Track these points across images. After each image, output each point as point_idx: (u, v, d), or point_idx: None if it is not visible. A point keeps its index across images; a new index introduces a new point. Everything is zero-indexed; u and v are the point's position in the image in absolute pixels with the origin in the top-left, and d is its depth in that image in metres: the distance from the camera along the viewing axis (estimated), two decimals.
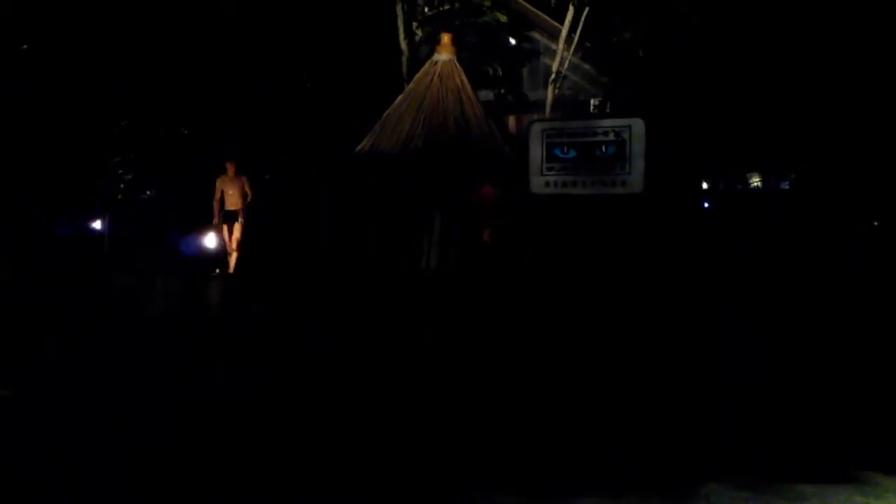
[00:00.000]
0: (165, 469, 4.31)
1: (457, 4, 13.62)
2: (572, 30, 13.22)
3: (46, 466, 4.29)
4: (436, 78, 11.90)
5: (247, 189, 11.18)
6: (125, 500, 3.92)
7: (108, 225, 15.23)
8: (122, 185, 16.77)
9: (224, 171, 11.25)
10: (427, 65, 12.25)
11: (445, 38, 12.20)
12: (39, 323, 8.55)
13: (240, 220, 11.13)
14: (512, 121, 16.30)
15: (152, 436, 4.91)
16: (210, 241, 11.47)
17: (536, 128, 7.86)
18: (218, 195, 11.18)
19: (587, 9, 12.74)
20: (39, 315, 8.81)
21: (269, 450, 4.65)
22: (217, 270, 11.11)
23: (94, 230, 15.86)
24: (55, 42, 13.90)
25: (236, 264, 11.15)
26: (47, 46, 13.87)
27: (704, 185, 18.58)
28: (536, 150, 7.92)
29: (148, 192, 17.21)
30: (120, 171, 16.48)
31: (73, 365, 6.83)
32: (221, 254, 11.28)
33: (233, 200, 11.15)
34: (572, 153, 7.72)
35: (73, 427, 5.00)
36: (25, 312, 8.94)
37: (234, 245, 11.16)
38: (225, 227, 11.23)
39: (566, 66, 13.75)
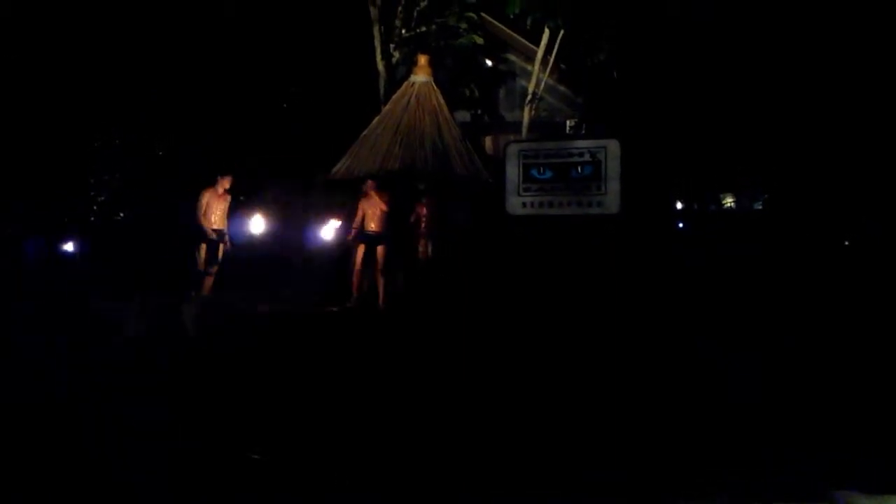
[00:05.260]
0: None
1: (433, 27, 13.75)
2: (548, 52, 13.40)
3: None
4: (413, 99, 12.00)
5: (226, 211, 10.64)
6: None
7: (80, 247, 15.00)
8: (95, 207, 16.57)
9: (212, 185, 10.57)
10: (404, 86, 12.35)
11: (422, 59, 12.31)
12: None
13: (226, 241, 10.65)
14: (489, 142, 16.41)
15: None
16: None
17: (513, 148, 7.87)
18: (202, 210, 10.42)
19: (562, 31, 12.93)
20: None
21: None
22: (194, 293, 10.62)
23: (66, 252, 15.61)
24: (28, 61, 13.77)
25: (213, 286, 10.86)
26: (20, 64, 13.72)
27: (679, 206, 18.80)
28: (513, 171, 7.91)
29: (121, 214, 17.00)
30: (93, 193, 16.29)
31: None
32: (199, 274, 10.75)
33: (220, 219, 10.59)
34: (549, 174, 7.74)
35: None
36: None
37: (213, 267, 10.62)
38: (204, 247, 10.60)
39: (542, 87, 13.92)
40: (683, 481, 4.39)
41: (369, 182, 10.57)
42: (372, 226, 10.38)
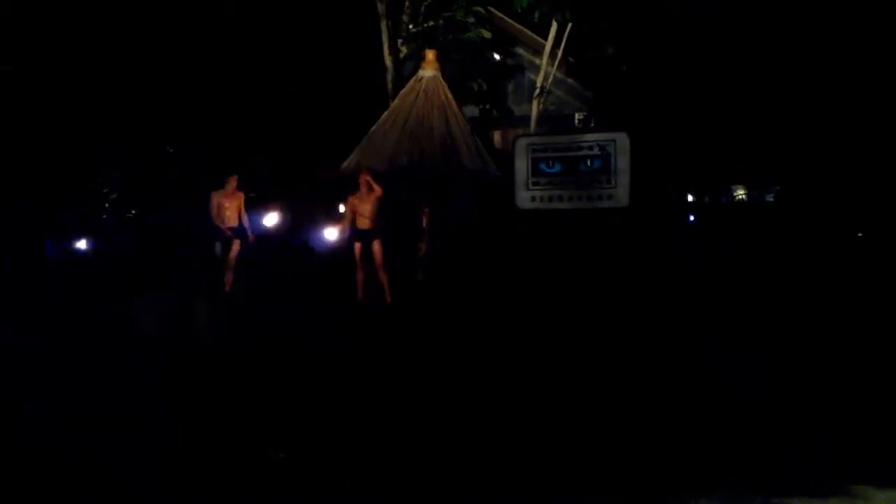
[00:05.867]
0: None
1: (441, 21, 13.69)
2: (556, 45, 13.30)
3: None
4: (421, 94, 11.93)
5: (242, 209, 10.93)
6: None
7: (94, 245, 15.05)
8: (107, 205, 16.64)
9: (221, 186, 10.87)
10: (412, 81, 12.27)
11: (430, 54, 12.23)
12: None
13: (248, 236, 10.93)
14: (497, 136, 16.34)
15: None
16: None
17: (522, 142, 7.81)
18: (215, 211, 10.74)
19: (570, 25, 12.83)
20: None
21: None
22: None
23: (78, 251, 15.66)
24: (38, 62, 13.82)
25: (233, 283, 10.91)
26: (29, 65, 13.77)
27: (690, 198, 18.70)
28: (522, 165, 7.85)
29: (133, 212, 17.08)
30: (105, 191, 16.37)
31: None
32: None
33: (233, 217, 10.84)
34: (558, 167, 7.67)
35: None
36: None
37: (231, 263, 10.86)
38: (219, 245, 10.90)
39: (550, 81, 13.82)
40: (683, 481, 4.34)
41: (362, 173, 10.48)
42: (363, 222, 10.26)
